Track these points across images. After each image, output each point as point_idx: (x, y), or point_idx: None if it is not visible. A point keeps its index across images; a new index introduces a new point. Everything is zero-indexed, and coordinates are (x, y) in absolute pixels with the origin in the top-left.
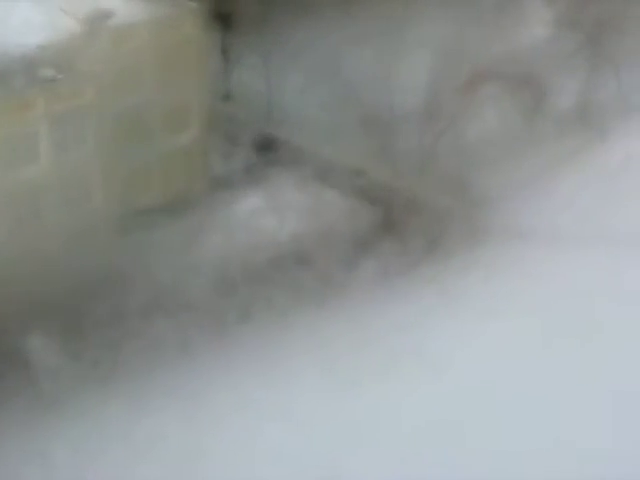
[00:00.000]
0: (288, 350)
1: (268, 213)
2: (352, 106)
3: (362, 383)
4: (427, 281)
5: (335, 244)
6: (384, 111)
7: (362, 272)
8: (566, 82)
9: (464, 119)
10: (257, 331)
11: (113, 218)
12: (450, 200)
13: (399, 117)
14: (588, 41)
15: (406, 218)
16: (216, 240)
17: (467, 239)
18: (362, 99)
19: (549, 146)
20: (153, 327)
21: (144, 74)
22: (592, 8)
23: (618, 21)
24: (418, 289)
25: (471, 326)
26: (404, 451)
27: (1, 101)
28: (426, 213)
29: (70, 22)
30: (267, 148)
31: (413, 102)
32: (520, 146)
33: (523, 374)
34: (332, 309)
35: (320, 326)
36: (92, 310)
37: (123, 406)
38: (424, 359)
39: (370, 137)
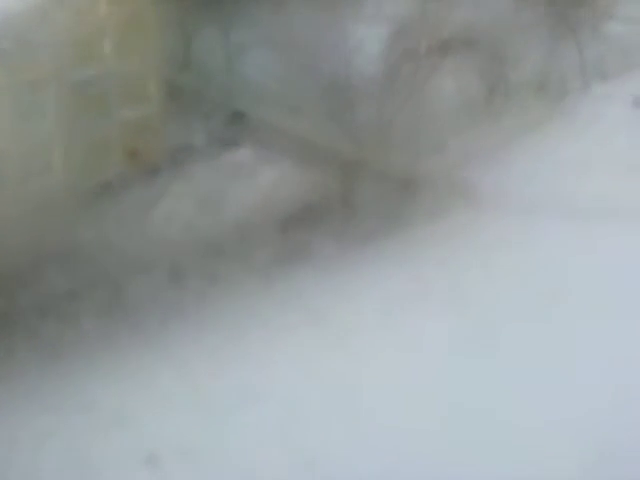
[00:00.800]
0: (233, 326)
1: (226, 185)
2: (311, 77)
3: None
4: (385, 254)
5: (290, 217)
6: (344, 82)
7: (317, 247)
8: (527, 53)
9: (424, 89)
10: (204, 305)
11: (73, 189)
12: (409, 171)
13: (358, 88)
14: (549, 12)
15: (364, 189)
16: (174, 212)
17: (427, 210)
18: (322, 70)
19: (510, 117)
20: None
21: (102, 45)
22: None
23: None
24: (375, 261)
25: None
26: None
27: None
28: (385, 185)
29: None
30: (227, 120)
31: (373, 72)
32: (480, 117)
33: (490, 346)
34: (284, 285)
35: (268, 304)
36: (47, 283)
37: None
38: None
39: (329, 108)
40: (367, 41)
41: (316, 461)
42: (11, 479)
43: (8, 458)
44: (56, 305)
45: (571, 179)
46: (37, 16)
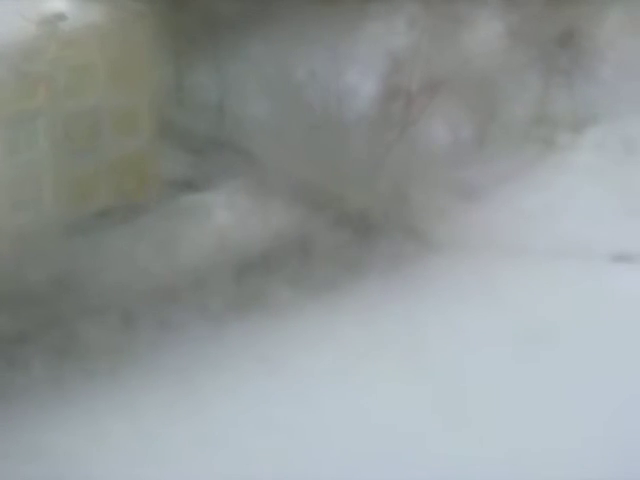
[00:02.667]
0: (186, 374)
1: (215, 218)
2: (302, 112)
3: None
4: (342, 302)
5: (274, 251)
6: (334, 118)
7: (272, 294)
8: (519, 94)
9: (415, 128)
10: (189, 340)
11: (63, 220)
12: (396, 210)
13: (349, 124)
14: (542, 54)
15: (349, 226)
16: (163, 245)
17: (411, 250)
18: (312, 105)
19: (501, 157)
20: (97, 330)
21: (95, 77)
22: (546, 22)
23: (572, 36)
24: (332, 310)
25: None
26: None
27: None
28: (369, 222)
29: (23, 24)
30: (218, 153)
31: (364, 109)
32: (471, 157)
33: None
34: (238, 332)
35: (222, 351)
36: (36, 312)
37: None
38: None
39: (319, 144)
40: (359, 78)
41: None
42: None
43: None
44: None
45: (561, 221)
46: (31, 47)
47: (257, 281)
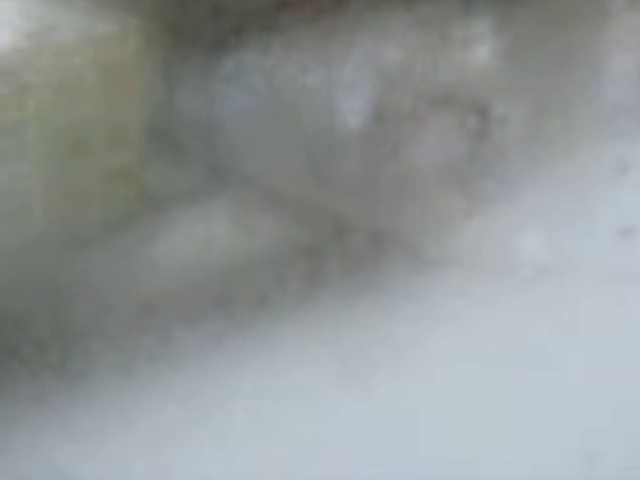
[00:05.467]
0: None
1: (204, 237)
2: (293, 129)
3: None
4: (349, 313)
5: (261, 271)
6: (323, 135)
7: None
8: (512, 113)
9: (408, 145)
10: (179, 353)
11: (52, 234)
12: (388, 227)
13: (340, 142)
14: (534, 75)
15: (339, 245)
16: (148, 263)
17: (403, 268)
18: (304, 122)
19: (494, 175)
20: (89, 348)
21: (85, 90)
22: (541, 42)
23: (565, 59)
24: (339, 319)
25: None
26: None
27: None
28: (361, 239)
29: (12, 36)
30: (208, 168)
31: (356, 126)
32: (464, 175)
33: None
34: (243, 343)
35: (220, 355)
36: (26, 329)
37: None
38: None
39: (310, 161)
40: (351, 95)
41: None
42: None
43: None
44: (23, 354)
45: (552, 242)
46: (20, 58)
47: (248, 296)
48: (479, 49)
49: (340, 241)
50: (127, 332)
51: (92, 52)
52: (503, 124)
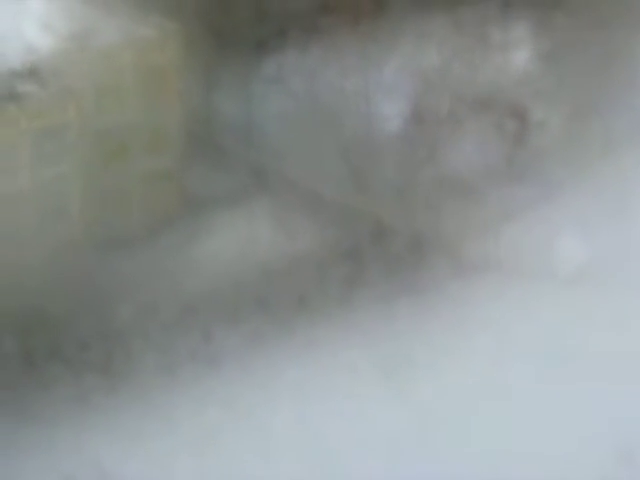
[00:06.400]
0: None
1: (244, 239)
2: (333, 133)
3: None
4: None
5: (301, 273)
6: (364, 139)
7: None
8: (550, 118)
9: (447, 148)
10: (220, 354)
11: (94, 235)
12: (428, 230)
13: (379, 145)
14: (574, 80)
15: (378, 247)
16: (189, 264)
17: (443, 271)
18: (342, 125)
19: (532, 179)
20: (131, 348)
21: (125, 95)
22: (580, 48)
23: (605, 64)
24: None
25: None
26: None
27: None
28: (400, 242)
29: (55, 39)
30: (246, 172)
31: (394, 130)
32: (502, 178)
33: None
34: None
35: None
36: (69, 330)
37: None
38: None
39: (349, 164)
40: (389, 99)
41: None
42: None
43: None
44: (66, 354)
45: (589, 247)
46: (62, 62)
47: (288, 297)
48: (518, 53)
49: (380, 244)
50: (169, 333)
51: (133, 56)
52: (542, 128)
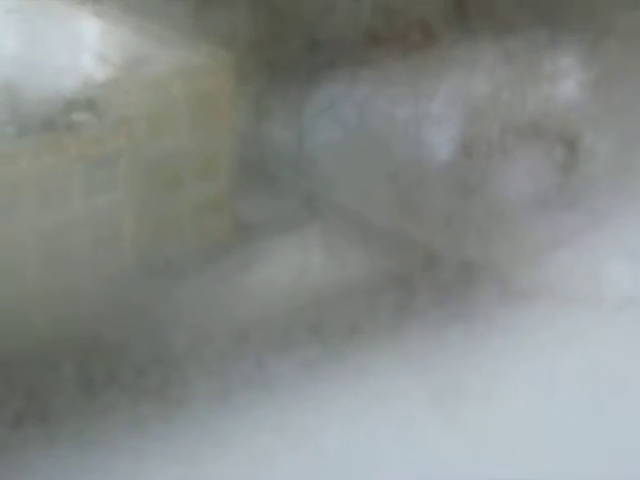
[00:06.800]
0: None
1: (294, 266)
2: (382, 160)
3: None
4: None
5: (350, 302)
6: (414, 166)
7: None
8: (600, 145)
9: (496, 176)
10: (273, 380)
11: (145, 265)
12: (478, 257)
13: (429, 173)
14: (623, 107)
15: (428, 275)
16: (242, 292)
17: (492, 299)
18: (392, 154)
19: (581, 207)
20: (186, 374)
21: (176, 122)
22: (627, 76)
23: None
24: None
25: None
26: None
27: (35, 144)
28: (451, 270)
29: (106, 67)
30: (296, 198)
31: (444, 157)
32: (552, 206)
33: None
34: (335, 371)
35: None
36: (126, 356)
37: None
38: None
39: (399, 192)
40: (439, 126)
41: None
42: None
43: None
44: (122, 380)
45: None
46: (115, 92)
47: (340, 324)
48: (567, 81)
49: (430, 271)
50: (223, 360)
51: (184, 84)
52: (591, 156)
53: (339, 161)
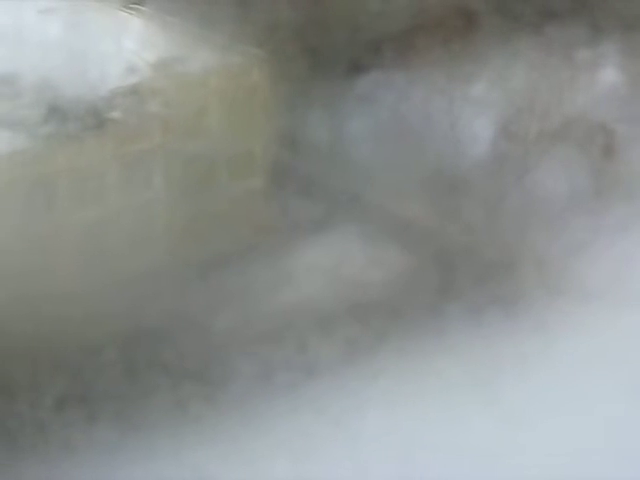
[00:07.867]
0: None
1: (328, 265)
2: (418, 159)
3: None
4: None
5: (386, 301)
6: (450, 165)
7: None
8: (637, 139)
9: (533, 174)
10: (313, 363)
11: (177, 262)
12: (517, 255)
13: (467, 167)
14: None
15: (468, 276)
16: (277, 290)
17: (532, 298)
18: (428, 152)
19: (619, 206)
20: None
21: (210, 121)
22: None
23: None
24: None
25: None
26: None
27: (70, 143)
28: (490, 270)
29: (141, 66)
30: (331, 197)
31: (481, 155)
32: (589, 204)
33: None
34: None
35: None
36: (168, 340)
37: None
38: None
39: (435, 191)
40: (476, 123)
41: None
42: None
43: None
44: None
45: None
46: (147, 88)
47: (377, 324)
48: (607, 72)
49: (467, 268)
50: (265, 343)
51: (217, 83)
52: (631, 147)
53: (377, 156)
